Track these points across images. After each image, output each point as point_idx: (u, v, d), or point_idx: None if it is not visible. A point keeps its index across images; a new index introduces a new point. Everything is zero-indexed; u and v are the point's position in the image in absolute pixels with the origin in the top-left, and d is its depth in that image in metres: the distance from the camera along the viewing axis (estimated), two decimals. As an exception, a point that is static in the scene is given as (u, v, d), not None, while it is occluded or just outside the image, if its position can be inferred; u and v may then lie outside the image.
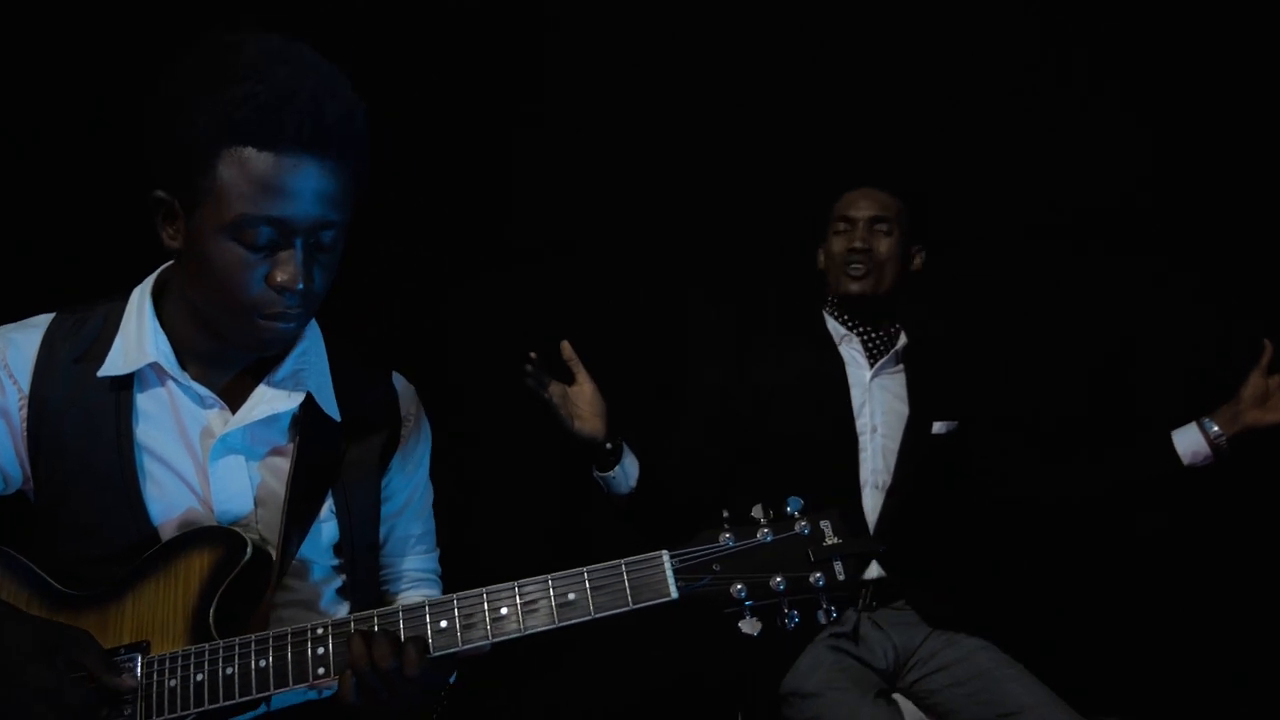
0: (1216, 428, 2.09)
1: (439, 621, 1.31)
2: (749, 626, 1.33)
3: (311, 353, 1.51)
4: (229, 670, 1.30)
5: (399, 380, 1.62)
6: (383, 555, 1.61)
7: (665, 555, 1.33)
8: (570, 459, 2.08)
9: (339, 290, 1.43)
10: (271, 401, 1.44)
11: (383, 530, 1.58)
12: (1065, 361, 2.70)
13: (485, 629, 1.31)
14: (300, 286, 1.32)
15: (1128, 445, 2.20)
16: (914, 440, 2.28)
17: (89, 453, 1.40)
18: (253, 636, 1.32)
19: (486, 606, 1.32)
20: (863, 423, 2.28)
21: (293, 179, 1.28)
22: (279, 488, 1.46)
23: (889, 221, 2.28)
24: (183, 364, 1.43)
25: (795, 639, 2.17)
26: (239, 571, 1.38)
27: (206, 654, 1.32)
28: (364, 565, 1.55)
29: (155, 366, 1.42)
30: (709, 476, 2.26)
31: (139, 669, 1.31)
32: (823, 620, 1.35)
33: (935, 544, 2.31)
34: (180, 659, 1.32)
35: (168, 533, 1.41)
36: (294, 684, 1.30)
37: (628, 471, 2.06)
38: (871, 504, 2.25)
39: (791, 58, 2.67)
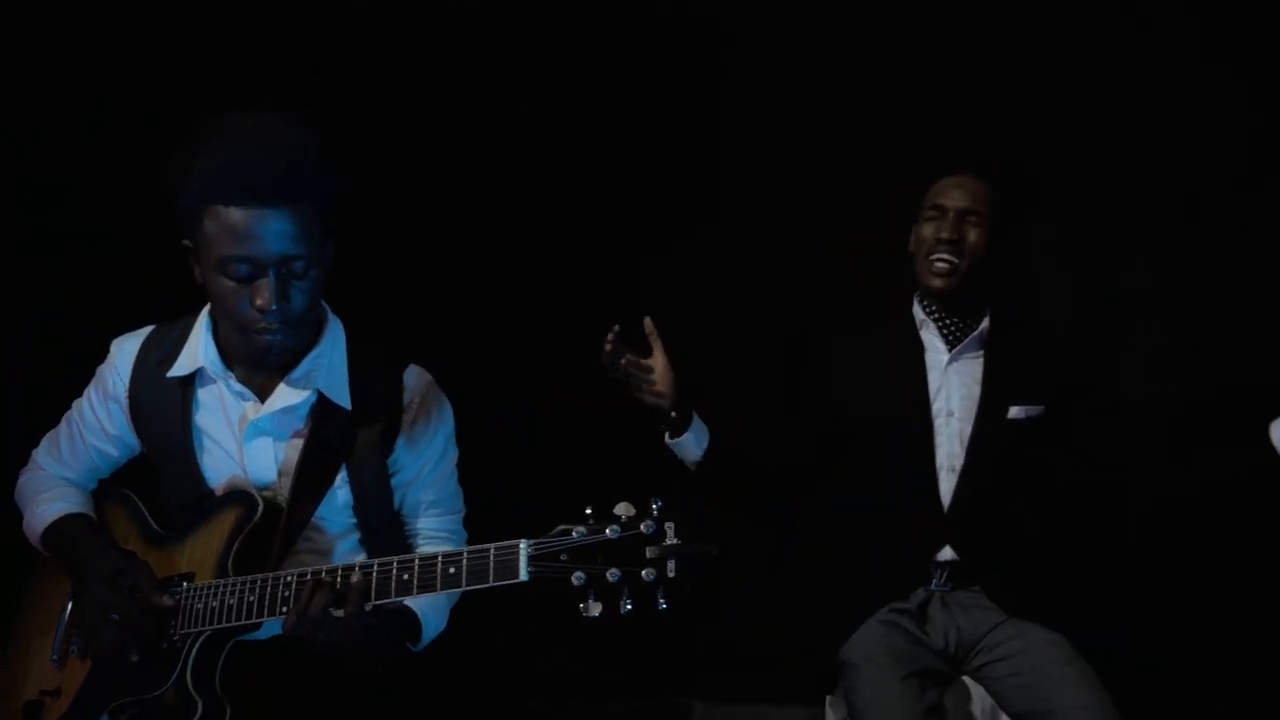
0: None
1: (352, 578, 1.66)
2: (590, 610, 1.54)
3: (326, 355, 1.89)
4: (231, 600, 1.75)
5: (412, 373, 1.95)
6: (403, 517, 1.98)
7: (523, 543, 1.58)
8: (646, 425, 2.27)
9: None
10: (287, 396, 1.85)
11: (398, 497, 1.95)
12: (1171, 345, 2.46)
13: (390, 589, 1.65)
14: (275, 308, 1.70)
15: (1227, 440, 2.05)
16: (987, 424, 2.28)
17: (164, 434, 1.91)
18: (248, 577, 1.76)
19: (395, 570, 1.65)
20: (938, 407, 2.31)
21: (254, 226, 1.67)
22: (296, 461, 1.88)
23: (980, 214, 2.26)
24: (230, 366, 1.88)
25: (858, 612, 2.27)
26: (252, 525, 1.82)
27: (222, 586, 1.77)
28: (377, 524, 1.93)
29: (206, 369, 1.88)
30: (789, 455, 2.39)
31: (183, 593, 1.80)
32: (660, 607, 1.53)
33: (1012, 531, 2.28)
34: (206, 589, 1.78)
35: (219, 493, 1.90)
36: (268, 615, 1.72)
37: (697, 440, 2.24)
38: (947, 488, 2.28)
39: (895, 33, 2.63)
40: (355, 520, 1.93)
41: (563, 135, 2.89)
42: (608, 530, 1.54)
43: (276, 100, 2.64)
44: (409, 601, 1.84)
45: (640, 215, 2.93)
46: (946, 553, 2.27)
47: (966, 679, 2.28)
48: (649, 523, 1.53)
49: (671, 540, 1.52)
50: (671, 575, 1.51)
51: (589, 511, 1.58)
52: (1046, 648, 2.16)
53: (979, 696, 2.28)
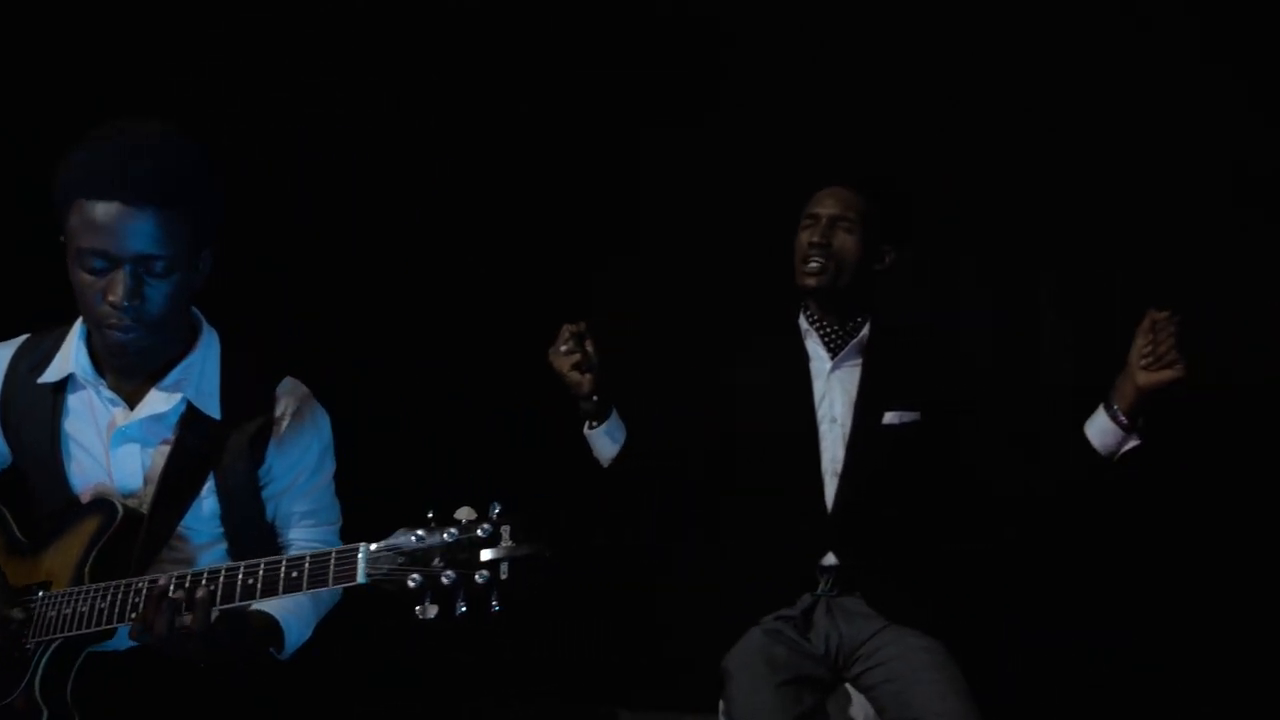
0: (1116, 404, 2.05)
1: (208, 585, 1.67)
2: (425, 612, 1.55)
3: (199, 365, 1.90)
4: (84, 608, 1.75)
5: (286, 385, 1.95)
6: (276, 528, 1.98)
7: (363, 547, 1.59)
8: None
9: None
10: (155, 403, 1.86)
11: (270, 508, 1.95)
12: (1043, 357, 2.54)
13: (235, 594, 1.65)
14: (126, 304, 1.72)
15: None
16: (863, 429, 2.33)
17: (33, 441, 1.91)
18: (101, 584, 1.76)
19: (241, 575, 1.66)
20: (823, 413, 2.37)
21: (114, 221, 1.70)
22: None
23: (851, 220, 2.35)
24: (102, 373, 1.88)
25: (748, 618, 2.29)
26: (111, 533, 1.82)
27: (76, 594, 1.77)
28: (244, 534, 1.93)
29: (77, 375, 1.89)
30: (687, 464, 2.42)
31: (37, 602, 1.80)
32: (494, 608, 1.54)
33: (890, 536, 2.31)
34: (60, 597, 1.78)
35: (85, 500, 1.90)
36: (118, 622, 1.72)
37: (613, 435, 2.31)
38: (830, 491, 2.33)
39: (782, 56, 2.70)
40: (223, 530, 1.93)
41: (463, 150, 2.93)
42: (445, 533, 1.56)
43: (276, 100, 2.71)
44: (271, 609, 1.85)
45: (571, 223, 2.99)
46: (830, 558, 2.30)
47: (849, 687, 2.30)
48: (485, 526, 1.55)
49: (506, 543, 1.54)
50: (504, 577, 1.52)
51: (430, 515, 1.59)
52: (918, 654, 2.18)
53: (860, 703, 2.29)
